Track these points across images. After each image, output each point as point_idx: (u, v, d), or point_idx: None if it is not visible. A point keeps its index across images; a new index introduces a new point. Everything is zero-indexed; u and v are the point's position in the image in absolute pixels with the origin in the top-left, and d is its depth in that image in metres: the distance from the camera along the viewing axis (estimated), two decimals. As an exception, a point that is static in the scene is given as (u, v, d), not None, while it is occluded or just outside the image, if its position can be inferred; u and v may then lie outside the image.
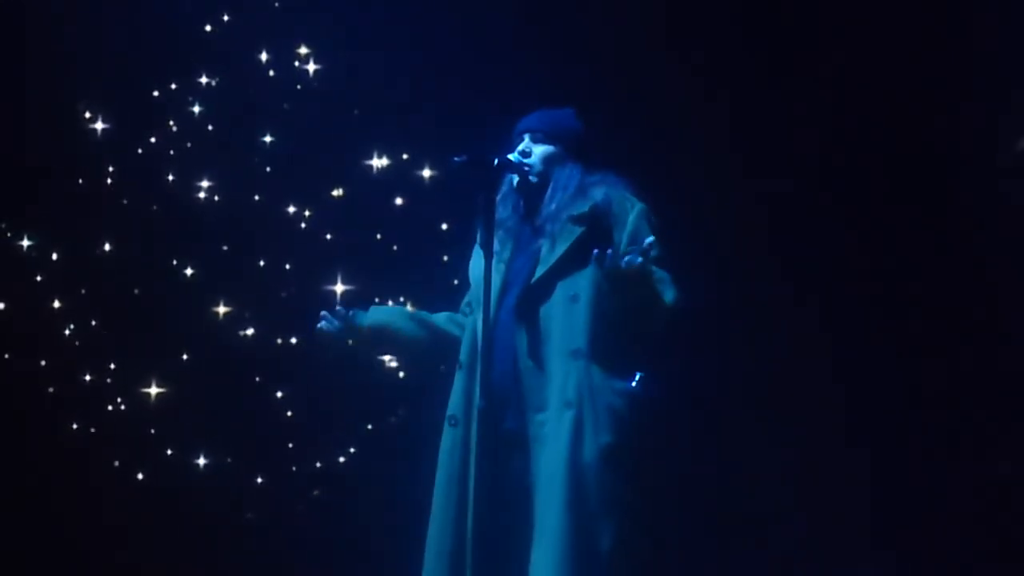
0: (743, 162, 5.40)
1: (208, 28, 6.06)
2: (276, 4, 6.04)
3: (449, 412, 3.77)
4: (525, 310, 3.73)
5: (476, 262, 3.90)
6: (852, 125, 5.39)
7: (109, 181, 6.07)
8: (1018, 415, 5.08)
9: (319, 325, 3.97)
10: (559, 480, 3.56)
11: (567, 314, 3.69)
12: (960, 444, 5.18)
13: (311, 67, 6.03)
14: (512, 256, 3.83)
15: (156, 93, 6.06)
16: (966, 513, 5.10)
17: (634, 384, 3.68)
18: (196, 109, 6.06)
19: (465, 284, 4.00)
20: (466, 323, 3.89)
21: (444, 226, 5.86)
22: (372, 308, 4.06)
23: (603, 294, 3.67)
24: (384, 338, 4.03)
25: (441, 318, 4.06)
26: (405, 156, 5.94)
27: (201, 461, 5.89)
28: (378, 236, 5.97)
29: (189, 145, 6.06)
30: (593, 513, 3.56)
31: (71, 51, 5.89)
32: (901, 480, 5.18)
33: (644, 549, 3.65)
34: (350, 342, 4.00)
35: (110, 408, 5.95)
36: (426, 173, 5.93)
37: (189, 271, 6.02)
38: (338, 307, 4.00)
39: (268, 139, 6.05)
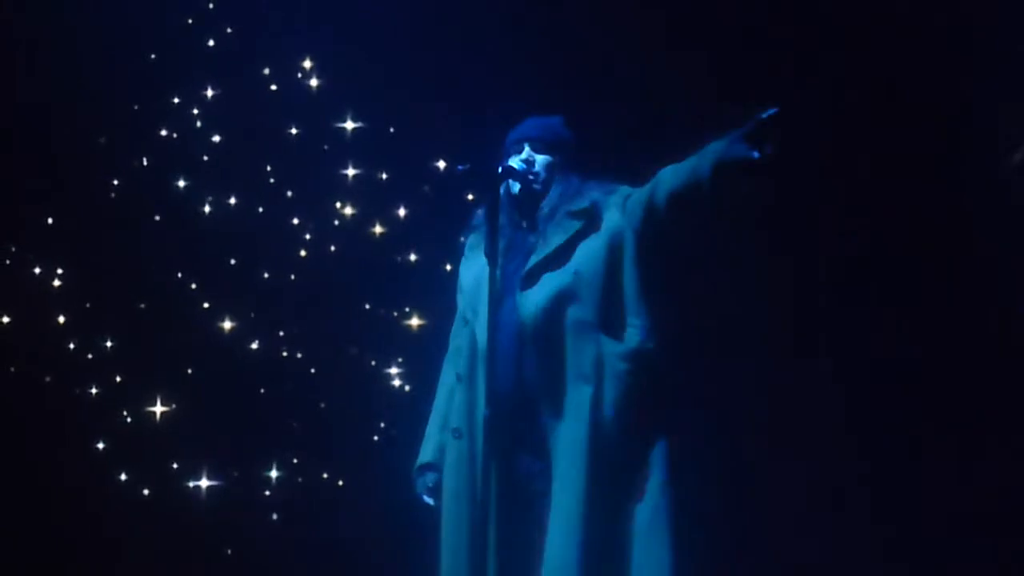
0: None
1: (211, 42, 6.06)
2: (279, 17, 6.04)
3: (453, 425, 3.77)
4: (525, 310, 3.70)
5: (468, 271, 3.90)
6: (851, 124, 5.39)
7: (113, 195, 6.06)
8: (1018, 415, 5.08)
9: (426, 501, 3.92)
10: (581, 449, 3.56)
11: (572, 287, 3.68)
12: (959, 444, 5.17)
13: (314, 81, 6.04)
14: (505, 263, 3.79)
15: (159, 106, 6.05)
16: (966, 513, 5.10)
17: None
18: (199, 123, 6.07)
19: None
20: (462, 335, 3.87)
21: (447, 235, 5.86)
22: (423, 447, 3.94)
23: (609, 269, 3.70)
24: None
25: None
26: (406, 167, 5.95)
27: (206, 474, 5.88)
28: (381, 246, 5.98)
29: (192, 158, 6.06)
30: (614, 483, 3.57)
31: (72, 64, 5.89)
32: (901, 480, 5.18)
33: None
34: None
35: (115, 423, 5.94)
36: (426, 185, 5.95)
37: (194, 285, 6.02)
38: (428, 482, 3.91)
39: (272, 151, 6.04)
